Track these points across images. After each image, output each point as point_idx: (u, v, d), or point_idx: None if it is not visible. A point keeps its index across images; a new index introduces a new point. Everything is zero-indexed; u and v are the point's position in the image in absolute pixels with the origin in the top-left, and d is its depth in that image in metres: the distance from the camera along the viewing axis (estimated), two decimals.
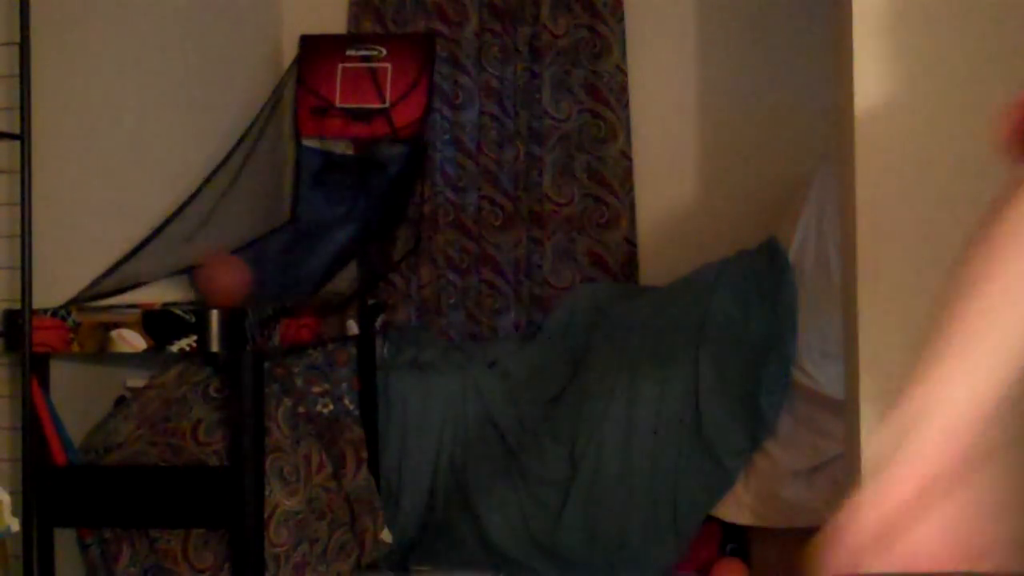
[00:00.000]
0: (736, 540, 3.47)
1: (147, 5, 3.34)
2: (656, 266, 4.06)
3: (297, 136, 4.01)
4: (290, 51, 4.15)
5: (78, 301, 2.93)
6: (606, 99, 4.08)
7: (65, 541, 2.89)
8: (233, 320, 2.71)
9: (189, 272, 3.35)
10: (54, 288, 2.84)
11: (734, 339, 3.44)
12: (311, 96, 3.99)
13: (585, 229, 4.09)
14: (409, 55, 4.01)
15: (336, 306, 3.32)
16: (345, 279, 3.71)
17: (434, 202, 4.13)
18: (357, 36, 4.13)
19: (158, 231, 3.22)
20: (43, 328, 2.72)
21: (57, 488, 2.76)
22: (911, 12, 2.37)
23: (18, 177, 2.56)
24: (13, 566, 2.56)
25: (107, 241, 3.11)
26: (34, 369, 2.66)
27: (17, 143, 2.56)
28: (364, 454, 3.37)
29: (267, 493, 2.85)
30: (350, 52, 4.02)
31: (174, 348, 2.71)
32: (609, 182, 4.08)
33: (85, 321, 2.75)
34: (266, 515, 2.83)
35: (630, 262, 4.08)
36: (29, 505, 2.59)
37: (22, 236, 2.56)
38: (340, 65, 4.00)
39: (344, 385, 3.47)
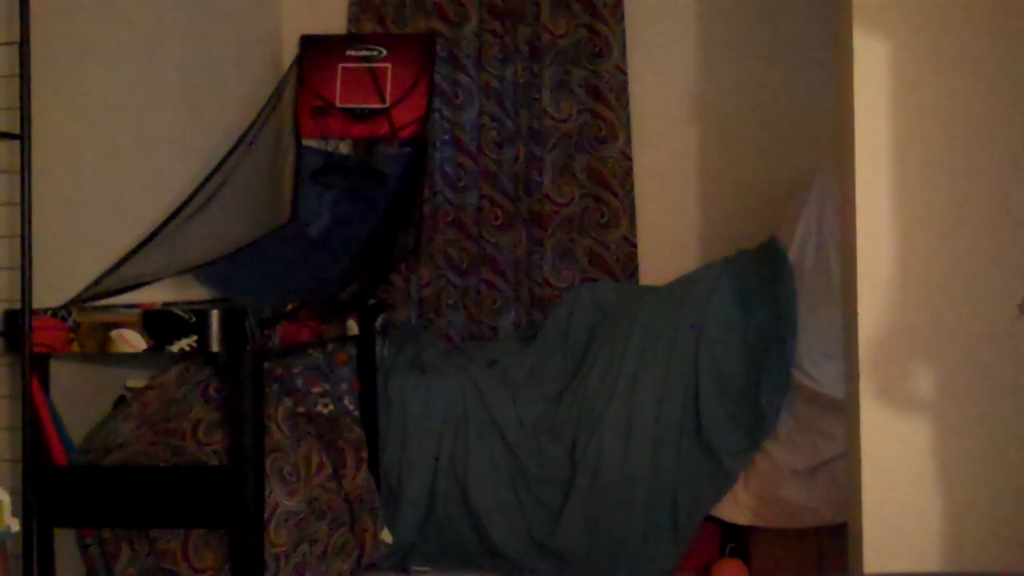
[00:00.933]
0: (736, 540, 3.47)
1: (147, 5, 3.34)
2: (656, 266, 4.06)
3: (297, 136, 4.01)
4: (290, 51, 4.15)
5: (78, 301, 2.93)
6: (606, 99, 4.08)
7: (65, 541, 2.89)
8: (233, 320, 2.71)
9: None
10: (54, 288, 2.84)
11: (734, 339, 3.44)
12: (311, 96, 3.99)
13: (585, 229, 4.09)
14: (409, 55, 4.01)
15: (337, 307, 3.32)
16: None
17: (434, 202, 4.13)
18: (357, 36, 4.13)
19: (158, 231, 3.22)
20: (43, 328, 2.72)
21: (57, 488, 2.76)
22: (911, 12, 2.37)
23: (18, 177, 2.56)
24: (13, 566, 2.56)
25: (107, 241, 3.11)
26: (34, 369, 2.66)
27: (17, 143, 2.56)
28: (364, 454, 3.37)
29: (267, 493, 2.85)
30: (350, 52, 4.02)
31: (174, 348, 2.71)
32: (609, 182, 4.08)
33: (85, 321, 2.75)
34: (266, 515, 2.83)
35: (630, 262, 4.08)
36: (29, 505, 2.59)
37: (22, 236, 2.56)
38: (340, 65, 4.00)
39: (344, 385, 3.47)
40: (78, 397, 3.00)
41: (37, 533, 2.65)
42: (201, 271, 3.38)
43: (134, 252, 3.14)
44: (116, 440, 2.93)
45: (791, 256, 3.47)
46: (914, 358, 2.37)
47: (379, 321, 3.59)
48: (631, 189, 4.09)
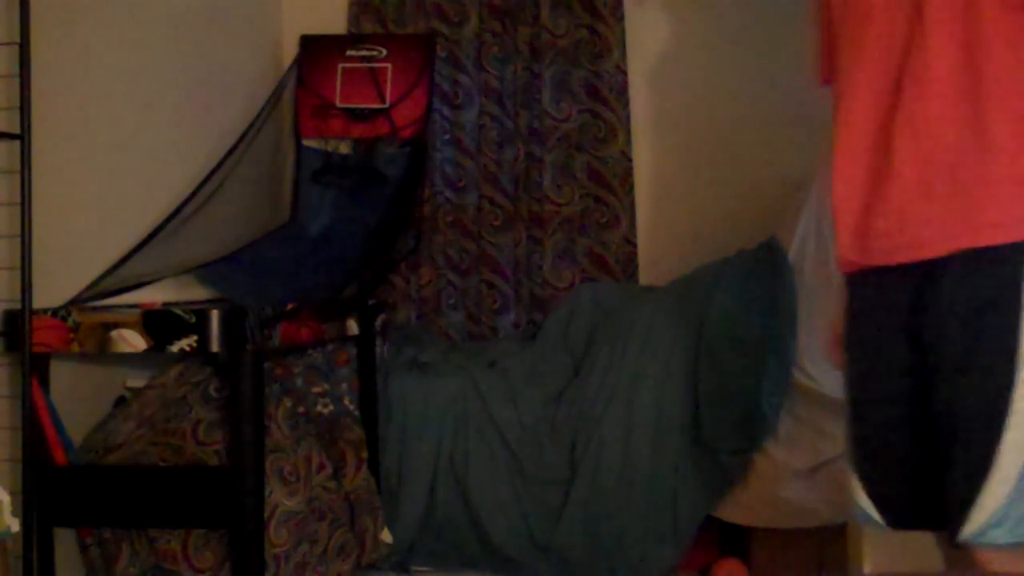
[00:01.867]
0: (736, 540, 3.47)
1: (147, 5, 3.34)
2: (656, 266, 4.06)
3: (297, 136, 4.01)
4: (290, 51, 4.15)
5: (78, 301, 2.93)
6: (606, 99, 4.08)
7: (65, 541, 2.89)
8: (233, 320, 2.71)
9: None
10: (54, 288, 2.84)
11: (734, 339, 3.44)
12: (311, 96, 3.99)
13: (585, 229, 4.09)
14: (409, 55, 4.02)
15: (337, 307, 3.32)
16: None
17: (434, 202, 4.13)
18: (357, 36, 4.13)
19: (158, 231, 3.22)
20: (43, 328, 2.72)
21: (57, 488, 2.76)
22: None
23: (18, 177, 2.56)
24: (13, 566, 2.56)
25: (107, 241, 3.11)
26: (34, 369, 2.66)
27: (17, 143, 2.56)
28: (364, 454, 3.37)
29: (267, 493, 2.85)
30: (350, 52, 4.02)
31: (174, 348, 2.71)
32: (609, 182, 4.08)
33: (85, 321, 2.75)
34: (266, 515, 2.83)
35: (630, 262, 4.08)
36: (29, 505, 2.59)
37: (22, 236, 2.56)
38: (340, 65, 4.00)
39: (344, 385, 3.47)
40: (78, 397, 3.00)
41: (37, 533, 2.65)
42: (201, 271, 3.38)
43: (134, 252, 3.14)
44: (116, 440, 2.93)
45: (791, 256, 3.47)
46: None
47: (379, 321, 3.59)
48: (631, 189, 4.09)
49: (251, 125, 3.74)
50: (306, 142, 4.01)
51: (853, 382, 2.11)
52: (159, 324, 2.72)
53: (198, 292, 3.42)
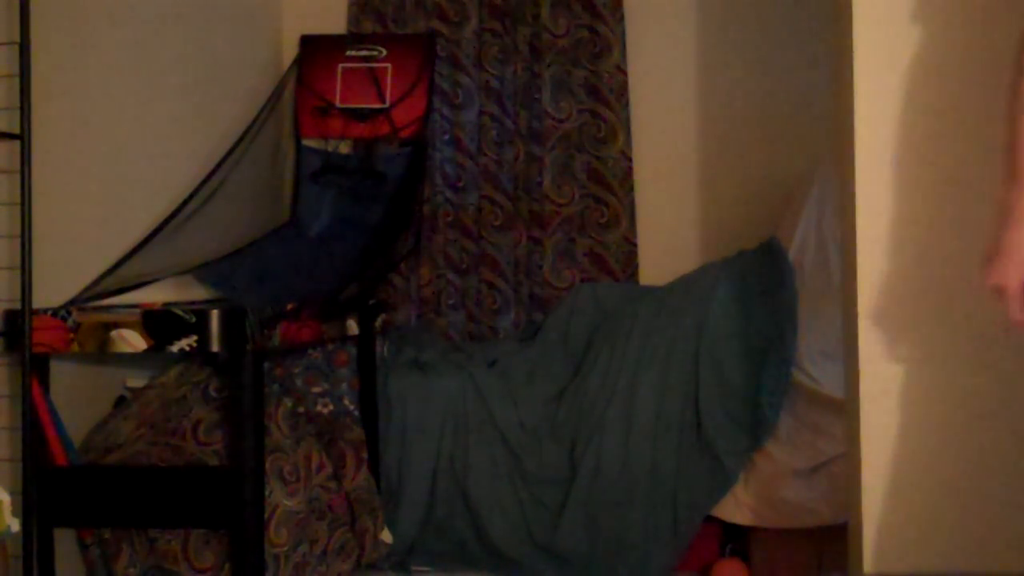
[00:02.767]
0: (736, 540, 3.47)
1: (147, 5, 3.34)
2: (656, 266, 4.06)
3: (297, 136, 4.01)
4: (290, 51, 4.15)
5: (78, 301, 2.93)
6: (606, 99, 4.08)
7: (65, 541, 2.89)
8: (233, 320, 2.71)
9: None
10: (54, 288, 2.84)
11: (734, 339, 3.44)
12: (311, 96, 3.99)
13: (585, 229, 4.09)
14: (409, 55, 4.01)
15: (337, 307, 3.32)
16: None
17: (434, 202, 4.13)
18: (357, 36, 4.13)
19: (158, 231, 3.22)
20: (43, 328, 2.72)
21: (57, 488, 2.76)
22: (911, 11, 2.37)
23: (18, 177, 2.56)
24: (13, 566, 2.56)
25: (107, 241, 3.11)
26: (34, 369, 2.66)
27: (17, 143, 2.56)
28: (364, 454, 3.37)
29: (267, 493, 2.85)
30: (350, 52, 4.02)
31: (174, 348, 2.71)
32: (609, 182, 4.08)
33: (85, 321, 2.75)
34: (266, 515, 2.83)
35: (630, 262, 4.08)
36: (29, 505, 2.59)
37: (22, 236, 2.56)
38: (340, 65, 4.00)
39: (344, 385, 3.47)
40: (78, 397, 3.00)
41: (37, 533, 2.64)
42: (201, 271, 3.38)
43: (134, 252, 3.14)
44: (116, 440, 2.93)
45: (791, 256, 3.47)
46: (914, 358, 2.37)
47: (379, 321, 3.59)
48: (631, 189, 4.09)
49: (251, 125, 3.75)
50: (306, 142, 4.01)
51: None
52: (159, 324, 2.72)
53: (198, 292, 3.42)
